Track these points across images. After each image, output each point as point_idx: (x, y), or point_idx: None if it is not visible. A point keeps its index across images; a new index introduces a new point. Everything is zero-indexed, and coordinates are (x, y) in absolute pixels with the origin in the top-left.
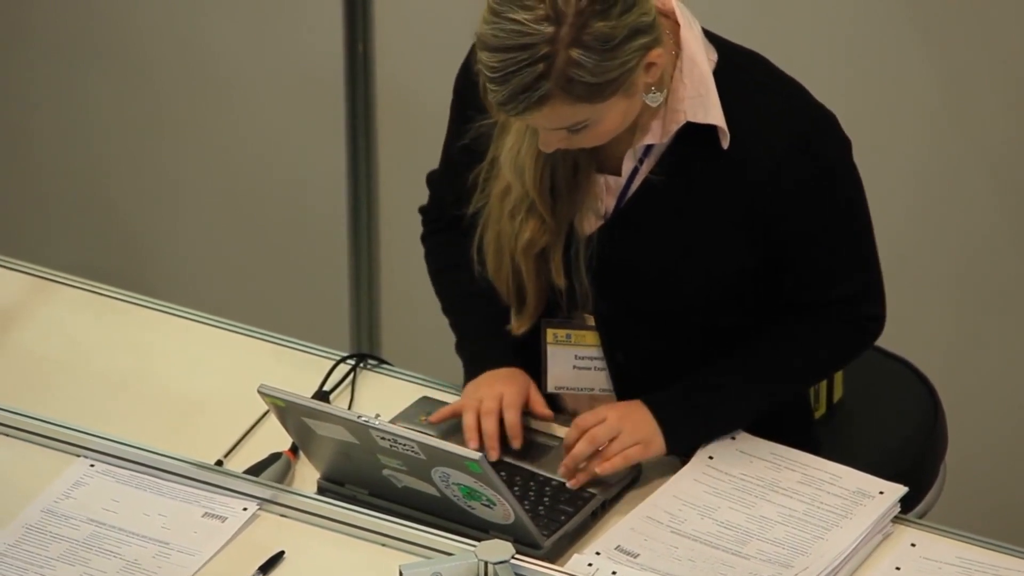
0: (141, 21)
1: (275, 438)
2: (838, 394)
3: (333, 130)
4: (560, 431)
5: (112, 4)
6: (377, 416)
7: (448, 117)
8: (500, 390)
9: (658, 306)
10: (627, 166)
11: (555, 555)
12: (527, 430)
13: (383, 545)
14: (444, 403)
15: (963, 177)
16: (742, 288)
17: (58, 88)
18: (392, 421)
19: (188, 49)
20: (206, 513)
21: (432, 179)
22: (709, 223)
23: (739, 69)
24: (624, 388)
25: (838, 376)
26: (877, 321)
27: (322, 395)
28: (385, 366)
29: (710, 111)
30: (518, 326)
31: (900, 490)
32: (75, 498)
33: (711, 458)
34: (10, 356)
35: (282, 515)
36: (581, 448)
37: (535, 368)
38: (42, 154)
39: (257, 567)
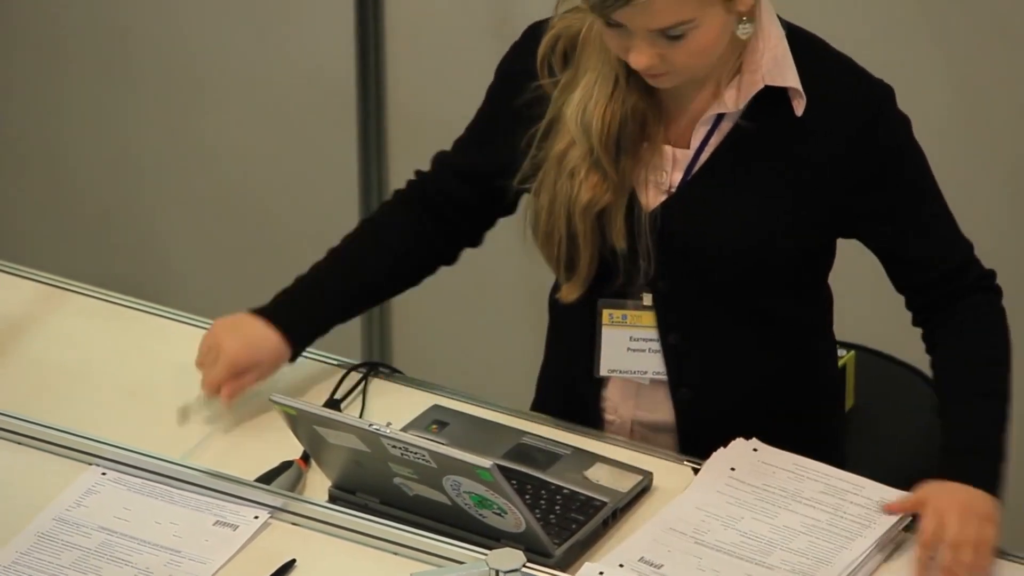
0: (153, 30)
1: (286, 446)
2: (849, 402)
3: (345, 138)
4: (568, 438)
5: (125, 12)
6: (388, 424)
7: (486, 96)
8: (228, 343)
9: (718, 283)
10: (696, 138)
11: (566, 564)
12: (538, 438)
13: (394, 553)
14: (456, 412)
15: (977, 183)
16: (803, 271)
17: (72, 97)
18: (403, 429)
19: (200, 57)
20: (217, 521)
21: (445, 153)
22: (776, 198)
23: (804, 39)
24: (677, 372)
25: (849, 384)
26: (995, 276)
27: (333, 404)
28: (396, 375)
29: (787, 74)
30: (568, 293)
31: None
32: (87, 506)
33: (733, 469)
34: (21, 364)
35: (293, 523)
36: (946, 558)
37: (585, 350)
38: (52, 162)
39: (268, 575)
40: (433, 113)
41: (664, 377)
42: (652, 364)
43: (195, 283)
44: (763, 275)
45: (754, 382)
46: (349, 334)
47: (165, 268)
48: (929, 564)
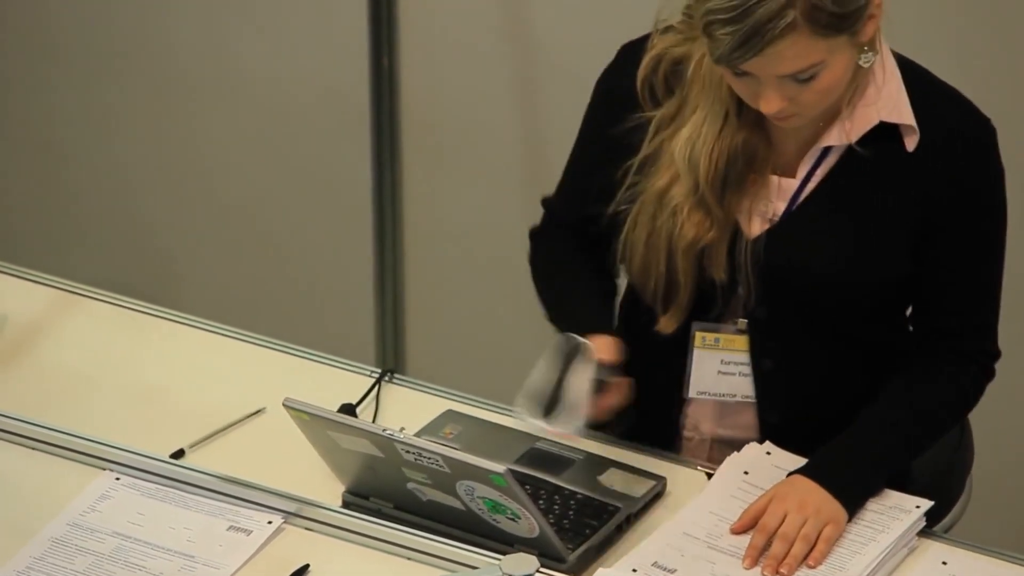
0: (168, 37)
1: (301, 451)
2: None
3: (358, 144)
4: (581, 443)
5: (141, 20)
6: (402, 429)
7: (584, 117)
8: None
9: (817, 311)
10: (803, 168)
11: (580, 569)
12: (551, 443)
13: (408, 559)
14: (469, 416)
15: None
16: (898, 299)
17: (84, 101)
18: (417, 434)
19: (214, 64)
20: (231, 526)
21: (555, 194)
22: (880, 229)
23: (912, 69)
24: (767, 397)
25: None
26: (997, 358)
27: (348, 408)
28: (410, 379)
29: (903, 111)
30: (667, 324)
31: (927, 504)
32: (101, 511)
33: (746, 473)
34: (36, 369)
35: (307, 528)
36: (779, 549)
37: (666, 370)
38: (68, 168)
39: None
40: (446, 121)
41: (752, 400)
42: (741, 388)
43: (207, 288)
44: (861, 302)
45: (841, 404)
46: (363, 339)
47: (178, 273)
48: (762, 551)
